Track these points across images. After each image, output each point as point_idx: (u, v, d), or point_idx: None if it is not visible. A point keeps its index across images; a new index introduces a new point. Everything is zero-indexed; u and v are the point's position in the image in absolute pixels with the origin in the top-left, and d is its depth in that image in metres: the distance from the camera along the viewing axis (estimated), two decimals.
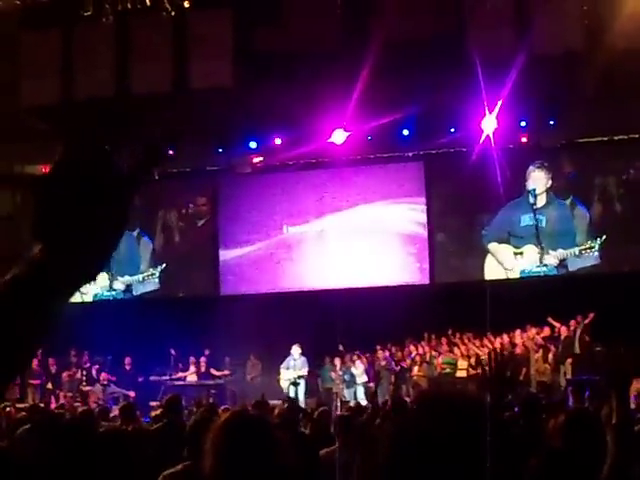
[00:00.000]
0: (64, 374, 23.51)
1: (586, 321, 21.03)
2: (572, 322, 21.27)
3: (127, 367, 23.27)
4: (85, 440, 5.71)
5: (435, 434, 2.20)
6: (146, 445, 7.23)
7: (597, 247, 22.23)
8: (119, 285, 25.20)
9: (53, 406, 20.12)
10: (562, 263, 22.54)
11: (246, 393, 22.29)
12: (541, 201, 22.83)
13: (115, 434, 6.24)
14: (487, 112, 21.67)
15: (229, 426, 3.69)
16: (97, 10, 21.20)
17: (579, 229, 22.52)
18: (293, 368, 21.94)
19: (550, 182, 22.85)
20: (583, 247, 22.31)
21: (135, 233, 25.23)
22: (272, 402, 13.99)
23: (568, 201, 22.71)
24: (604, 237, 22.18)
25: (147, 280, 25.10)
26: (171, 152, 24.06)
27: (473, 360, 21.98)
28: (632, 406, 10.71)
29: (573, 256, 22.39)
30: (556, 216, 22.71)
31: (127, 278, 25.15)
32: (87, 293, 25.29)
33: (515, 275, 22.91)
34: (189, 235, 25.22)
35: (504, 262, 22.96)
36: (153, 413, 12.07)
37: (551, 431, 6.24)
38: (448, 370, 22.09)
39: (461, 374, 21.97)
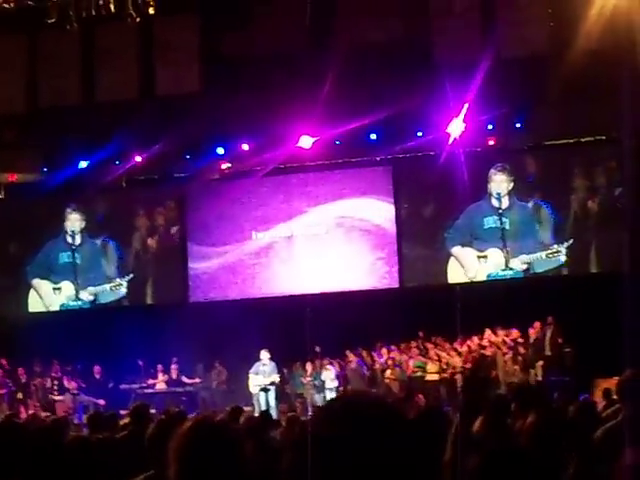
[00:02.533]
0: (33, 383, 23.36)
1: (550, 324, 21.13)
2: (537, 324, 21.36)
3: (97, 376, 23.13)
4: (51, 450, 5.67)
5: (331, 438, 2.19)
6: (112, 454, 7.17)
7: (564, 251, 22.29)
8: (86, 295, 25.03)
9: (23, 416, 19.99)
10: (528, 267, 22.58)
11: (216, 400, 22.24)
12: (504, 204, 22.86)
13: (80, 443, 6.19)
14: (454, 115, 21.72)
15: (192, 433, 3.65)
16: (61, 17, 21.09)
17: (543, 231, 22.56)
18: (262, 374, 21.87)
19: (512, 184, 22.87)
20: (550, 251, 22.36)
21: (99, 241, 25.09)
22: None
23: (531, 203, 22.73)
24: (571, 241, 22.23)
25: (115, 290, 24.93)
26: (138, 159, 24.02)
27: (444, 363, 22.03)
28: (600, 405, 10.76)
29: (540, 260, 22.44)
30: (519, 218, 22.74)
31: (93, 289, 24.97)
32: (52, 304, 25.15)
33: (481, 279, 22.94)
34: (157, 242, 25.09)
35: (467, 266, 22.98)
36: (122, 422, 12.00)
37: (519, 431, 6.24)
38: (419, 373, 22.12)
39: (432, 377, 22.00)
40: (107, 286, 24.96)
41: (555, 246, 22.37)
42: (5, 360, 23.48)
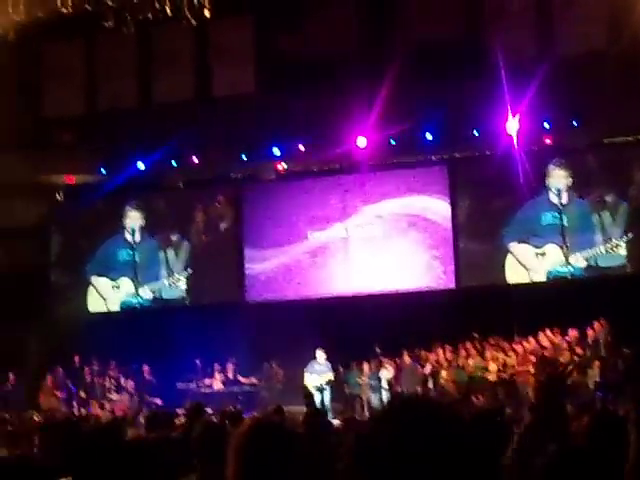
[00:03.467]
0: (94, 382, 23.63)
1: (606, 325, 20.91)
2: (597, 324, 21.14)
3: (146, 375, 23.30)
4: (109, 449, 5.71)
5: (398, 439, 2.19)
6: (168, 453, 7.20)
7: (623, 245, 22.05)
8: (145, 292, 25.31)
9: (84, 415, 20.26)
10: (589, 263, 22.37)
11: (274, 400, 22.29)
12: (563, 199, 22.68)
13: (137, 443, 6.22)
14: (510, 114, 21.59)
15: (252, 433, 3.67)
16: (118, 21, 21.27)
17: (603, 227, 22.33)
18: (317, 373, 21.88)
19: (571, 180, 22.68)
20: (609, 245, 22.15)
21: (158, 239, 25.36)
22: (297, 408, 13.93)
23: (590, 199, 22.51)
24: (630, 235, 21.97)
25: (173, 285, 25.19)
26: (195, 159, 24.18)
27: (501, 364, 21.88)
28: None
29: (600, 254, 22.22)
30: (578, 215, 22.54)
31: (152, 285, 25.25)
32: (111, 302, 25.49)
33: (540, 276, 22.77)
34: (214, 241, 25.24)
35: (526, 263, 22.83)
36: (177, 421, 12.07)
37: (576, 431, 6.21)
38: (478, 373, 21.97)
39: (491, 377, 21.85)
40: (166, 282, 25.21)
41: (614, 240, 22.14)
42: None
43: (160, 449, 6.33)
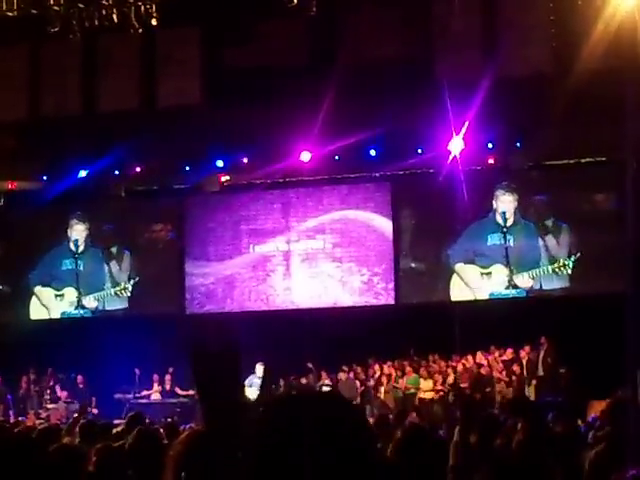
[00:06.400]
0: (30, 391, 23.42)
1: (545, 345, 21.13)
2: (527, 347, 21.37)
3: (80, 385, 23.11)
4: (34, 458, 5.65)
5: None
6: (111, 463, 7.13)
7: (571, 265, 22.23)
8: (89, 302, 25.10)
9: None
10: (532, 286, 22.53)
11: None
12: (509, 222, 22.87)
13: (67, 452, 6.15)
14: (454, 133, 21.73)
15: (189, 443, 3.67)
16: (64, 27, 21.12)
17: (549, 247, 22.53)
18: (257, 386, 21.80)
19: (516, 203, 22.90)
20: (556, 265, 22.33)
21: (102, 250, 25.19)
22: None
23: (535, 220, 22.73)
24: (578, 254, 22.15)
25: (120, 295, 25.01)
26: (138, 169, 24.08)
27: (438, 381, 21.99)
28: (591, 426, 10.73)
29: (546, 274, 22.40)
30: (524, 236, 22.75)
31: (97, 294, 25.06)
32: (53, 311, 25.27)
33: (483, 296, 22.91)
34: (156, 253, 25.14)
35: (470, 282, 22.98)
36: (115, 431, 11.98)
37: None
38: (412, 390, 22.08)
39: (426, 395, 21.95)
40: (110, 292, 25.03)
41: (562, 260, 22.33)
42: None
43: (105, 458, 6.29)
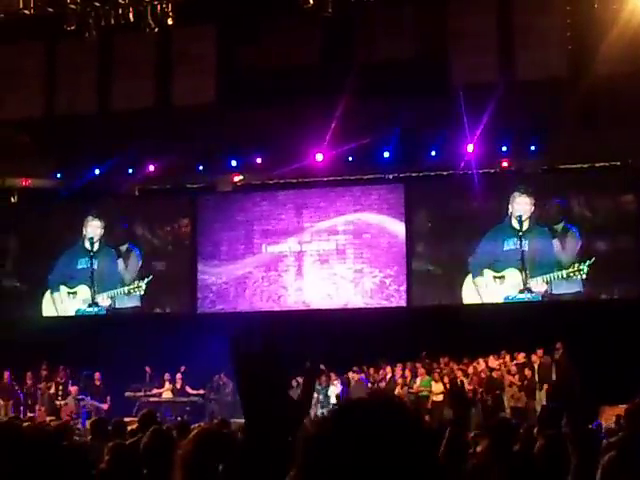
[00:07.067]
0: (40, 387, 23.42)
1: (560, 350, 21.04)
2: (540, 351, 21.27)
3: (97, 382, 23.11)
4: (49, 454, 5.64)
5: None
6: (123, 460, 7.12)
7: (585, 270, 22.14)
8: (102, 299, 25.14)
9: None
10: (547, 290, 22.44)
11: (224, 412, 22.14)
12: (524, 226, 22.77)
13: (79, 449, 6.17)
14: (469, 136, 21.69)
15: (197, 442, 3.66)
16: (80, 26, 21.17)
17: (563, 252, 22.45)
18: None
19: (533, 207, 22.79)
20: (571, 270, 22.23)
21: (116, 248, 25.23)
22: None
23: (550, 225, 22.64)
24: (592, 259, 22.06)
25: (132, 293, 25.04)
26: (152, 168, 24.10)
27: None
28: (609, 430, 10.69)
29: (560, 279, 22.32)
30: (538, 241, 22.65)
31: (110, 292, 25.10)
32: (66, 309, 25.33)
33: (497, 299, 22.80)
34: (168, 252, 25.15)
35: (484, 287, 22.88)
36: (129, 428, 11.99)
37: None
38: (425, 393, 22.01)
39: (437, 398, 21.88)
40: (125, 289, 25.07)
41: (576, 265, 22.23)
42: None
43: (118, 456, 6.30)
